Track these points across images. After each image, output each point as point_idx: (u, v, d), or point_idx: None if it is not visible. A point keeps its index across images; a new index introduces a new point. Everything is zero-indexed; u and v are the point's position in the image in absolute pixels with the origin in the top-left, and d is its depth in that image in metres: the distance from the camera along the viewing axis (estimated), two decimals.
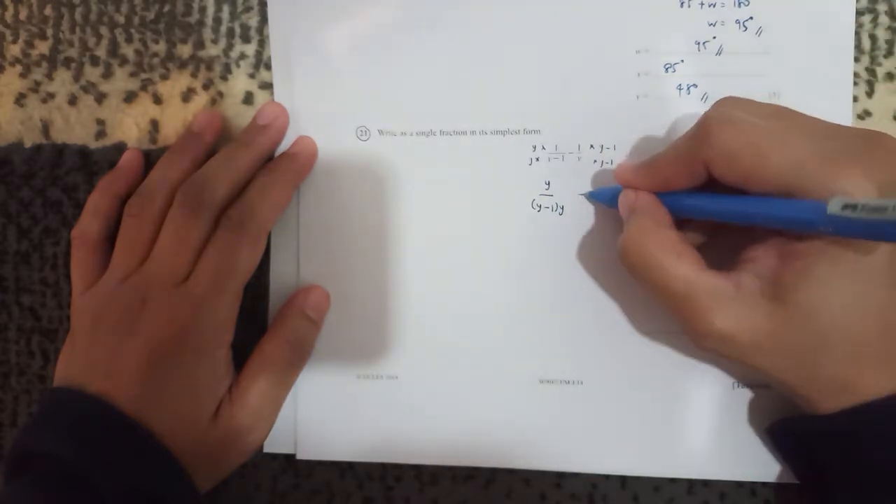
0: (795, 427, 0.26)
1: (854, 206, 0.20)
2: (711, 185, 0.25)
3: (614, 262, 0.30)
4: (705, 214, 0.26)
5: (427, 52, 0.30)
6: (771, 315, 0.23)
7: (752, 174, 0.23)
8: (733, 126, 0.24)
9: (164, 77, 0.32)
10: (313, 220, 0.31)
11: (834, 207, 0.20)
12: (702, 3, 0.29)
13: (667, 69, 0.29)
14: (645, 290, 0.26)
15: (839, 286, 0.23)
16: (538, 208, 0.30)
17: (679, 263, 0.24)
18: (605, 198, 0.29)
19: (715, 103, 0.25)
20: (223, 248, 0.28)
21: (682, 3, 0.29)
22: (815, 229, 0.22)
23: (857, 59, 0.29)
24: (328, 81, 0.31)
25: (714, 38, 0.29)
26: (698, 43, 0.29)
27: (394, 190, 0.31)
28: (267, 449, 0.31)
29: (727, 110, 0.24)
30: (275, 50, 0.31)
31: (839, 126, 0.24)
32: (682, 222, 0.26)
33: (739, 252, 0.26)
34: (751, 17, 0.29)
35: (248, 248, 0.28)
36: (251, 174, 0.30)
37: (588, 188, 0.30)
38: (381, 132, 0.31)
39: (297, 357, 0.30)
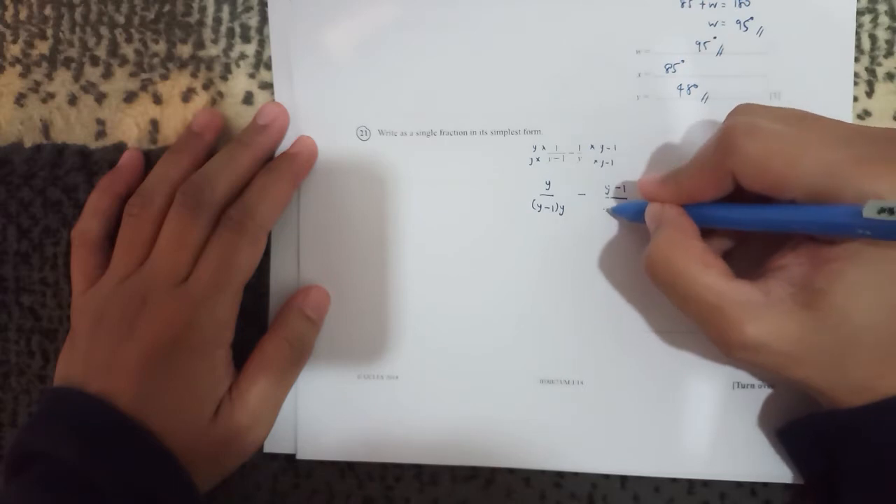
0: (812, 424, 0.26)
1: (891, 210, 0.20)
2: (737, 194, 0.25)
3: (614, 262, 0.30)
4: (735, 224, 0.26)
5: (427, 51, 0.30)
6: (803, 321, 0.23)
7: (782, 181, 0.23)
8: (759, 133, 0.23)
9: (164, 77, 0.32)
10: (313, 220, 0.31)
11: (870, 211, 0.20)
12: (702, 3, 0.29)
13: (667, 69, 0.29)
14: (673, 301, 0.26)
15: (872, 287, 0.23)
16: (538, 208, 0.30)
17: (707, 273, 0.24)
18: (629, 212, 0.29)
19: (732, 111, 0.25)
20: (223, 248, 0.28)
21: (682, 3, 0.29)
22: (851, 233, 0.22)
23: (857, 59, 0.29)
24: (328, 81, 0.31)
25: (715, 38, 0.29)
26: (699, 43, 0.29)
27: (394, 190, 0.31)
28: (267, 449, 0.31)
29: (749, 118, 0.24)
30: (275, 50, 0.31)
31: (864, 128, 0.24)
32: (706, 232, 0.26)
33: (766, 260, 0.26)
34: (751, 18, 0.29)
35: (248, 248, 0.28)
36: (251, 174, 0.30)
37: (588, 189, 0.30)
38: (381, 132, 0.31)
39: (297, 357, 0.30)
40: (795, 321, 0.23)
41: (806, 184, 0.23)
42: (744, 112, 0.25)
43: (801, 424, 0.27)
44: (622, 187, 0.30)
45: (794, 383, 0.25)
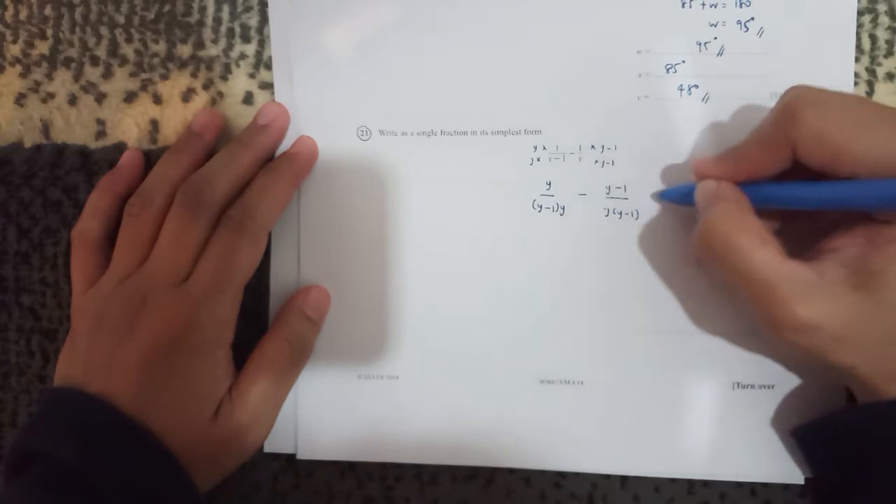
0: (835, 422, 0.26)
1: None
2: (790, 174, 0.25)
3: (615, 263, 0.30)
4: (794, 202, 0.25)
5: (428, 52, 0.30)
6: (856, 304, 0.23)
7: (843, 154, 0.23)
8: (822, 105, 0.23)
9: (164, 77, 0.32)
10: (314, 220, 0.31)
11: None
12: (703, 4, 0.29)
13: (668, 70, 0.29)
14: (722, 275, 0.25)
15: None
16: (539, 209, 0.30)
17: (764, 250, 0.24)
18: (677, 195, 0.29)
19: (790, 88, 0.25)
20: (223, 248, 0.28)
21: (683, 4, 0.29)
22: None
23: (857, 59, 0.29)
24: (328, 81, 0.31)
25: (715, 38, 0.29)
26: (699, 43, 0.29)
27: (394, 190, 0.31)
28: (267, 449, 0.31)
29: (809, 92, 0.24)
30: (275, 50, 0.31)
31: None
32: (756, 212, 0.26)
33: (818, 242, 0.26)
34: (752, 18, 0.29)
35: (248, 248, 0.28)
36: (251, 174, 0.30)
37: (589, 189, 0.30)
38: (381, 132, 0.31)
39: (297, 357, 0.30)
40: (849, 303, 0.23)
41: (867, 158, 0.22)
42: (802, 88, 0.25)
43: (821, 422, 0.26)
44: (623, 187, 0.30)
45: (837, 369, 0.24)
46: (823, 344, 0.23)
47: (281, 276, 0.31)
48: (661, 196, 0.29)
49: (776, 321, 0.24)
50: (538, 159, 0.30)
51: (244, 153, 0.30)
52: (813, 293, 0.23)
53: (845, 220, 0.25)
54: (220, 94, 0.32)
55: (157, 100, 0.32)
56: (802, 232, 0.27)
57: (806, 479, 0.29)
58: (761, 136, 0.25)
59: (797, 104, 0.24)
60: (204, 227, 0.28)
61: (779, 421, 0.29)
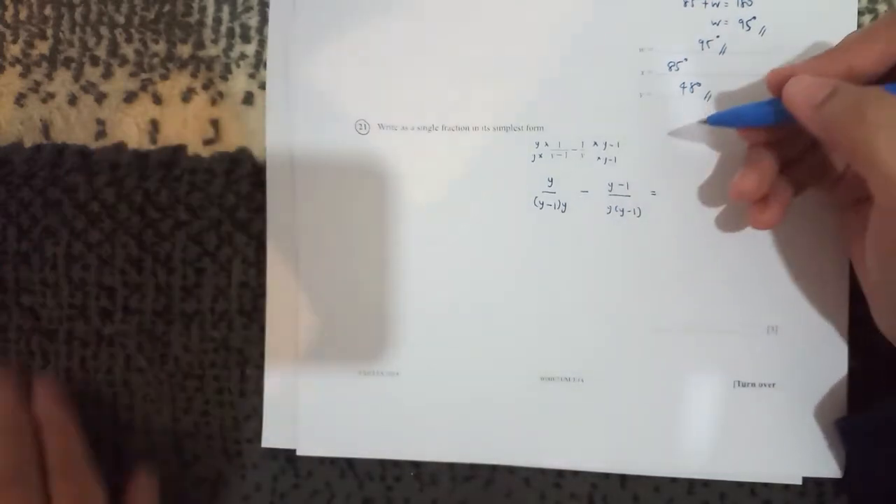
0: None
1: None
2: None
3: (616, 260, 0.30)
4: None
5: (428, 46, 0.30)
6: None
7: None
8: None
9: (164, 77, 0.32)
10: (311, 216, 0.31)
11: None
12: (705, 3, 0.29)
13: (670, 67, 0.29)
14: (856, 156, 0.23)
15: None
16: (540, 205, 0.30)
17: None
18: (744, 115, 0.27)
19: None
20: (73, 500, 0.27)
21: (685, 2, 0.29)
22: None
23: None
24: (326, 73, 0.31)
25: (717, 37, 0.29)
26: (702, 42, 0.29)
27: (393, 185, 0.31)
28: (267, 444, 0.31)
29: None
30: (273, 45, 0.31)
31: None
32: None
33: None
34: (754, 17, 0.29)
35: (93, 485, 0.28)
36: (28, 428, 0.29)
37: (591, 186, 0.30)
38: (380, 126, 0.31)
39: None
40: None
41: None
42: None
43: (881, 410, 0.26)
44: (625, 185, 0.30)
45: None
46: None
47: (279, 273, 0.31)
48: (711, 120, 0.28)
49: None
50: (540, 156, 0.30)
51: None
52: None
53: None
54: (220, 94, 0.32)
55: (157, 100, 0.32)
56: None
57: (804, 479, 0.29)
58: (873, 29, 0.24)
59: None
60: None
61: (780, 419, 0.29)
